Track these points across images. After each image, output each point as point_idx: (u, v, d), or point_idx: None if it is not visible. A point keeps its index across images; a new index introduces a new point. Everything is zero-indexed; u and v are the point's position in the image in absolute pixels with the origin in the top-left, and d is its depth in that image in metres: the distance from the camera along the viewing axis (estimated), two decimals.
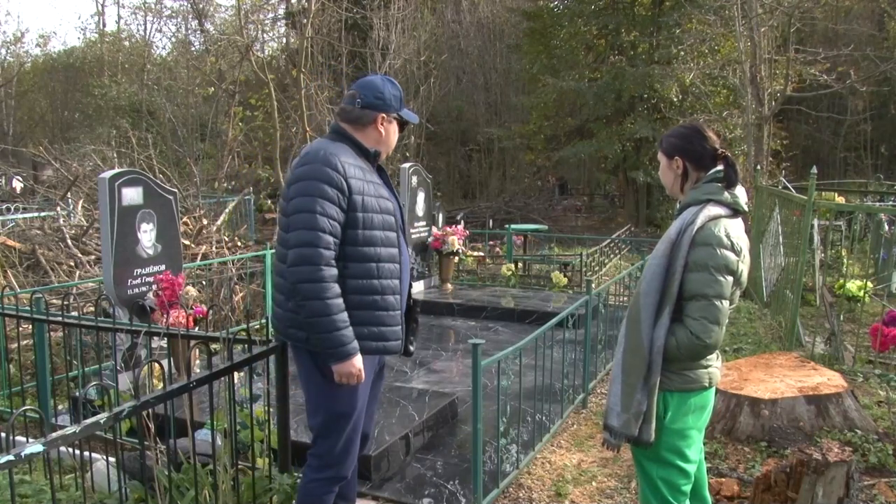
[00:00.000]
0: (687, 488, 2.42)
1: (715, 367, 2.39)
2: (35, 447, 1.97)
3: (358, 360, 2.46)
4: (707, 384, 2.36)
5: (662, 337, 2.27)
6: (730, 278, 2.25)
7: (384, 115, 2.58)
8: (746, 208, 2.37)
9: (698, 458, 2.48)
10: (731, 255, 2.24)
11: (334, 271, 2.41)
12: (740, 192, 2.35)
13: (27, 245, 7.40)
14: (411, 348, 2.77)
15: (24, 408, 2.33)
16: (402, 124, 2.69)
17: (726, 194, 2.32)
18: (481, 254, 10.80)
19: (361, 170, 2.52)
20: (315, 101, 14.73)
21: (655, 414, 2.32)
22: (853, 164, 21.64)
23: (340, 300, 2.42)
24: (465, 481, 3.56)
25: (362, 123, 2.58)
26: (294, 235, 2.40)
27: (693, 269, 2.24)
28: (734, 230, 2.28)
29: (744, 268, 2.30)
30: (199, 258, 7.68)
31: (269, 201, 16.45)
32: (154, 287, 4.76)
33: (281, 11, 20.57)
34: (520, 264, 9.87)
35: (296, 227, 2.41)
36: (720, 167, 2.35)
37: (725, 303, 2.25)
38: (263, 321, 4.02)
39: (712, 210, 2.28)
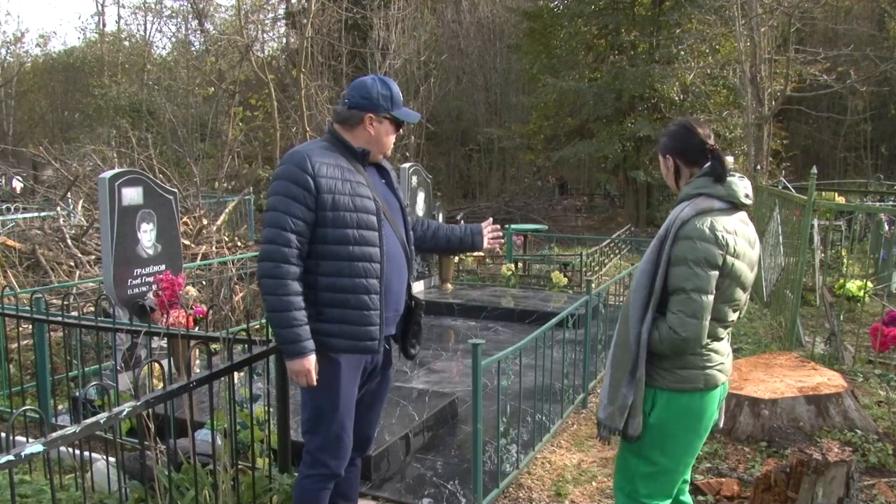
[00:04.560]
0: (664, 491, 2.38)
1: (715, 370, 2.31)
2: (35, 447, 1.97)
3: (309, 360, 2.46)
4: (702, 386, 2.29)
5: (646, 331, 2.27)
6: (712, 272, 2.19)
7: (372, 114, 2.56)
8: (747, 201, 2.30)
9: (686, 463, 2.41)
10: (712, 249, 2.18)
11: (294, 269, 2.45)
12: (740, 185, 2.29)
13: (27, 245, 7.40)
14: (412, 351, 2.75)
15: (24, 408, 2.33)
16: (398, 124, 2.65)
17: (719, 187, 2.27)
18: (481, 254, 10.79)
19: (340, 169, 2.51)
20: (315, 101, 14.74)
21: (642, 409, 2.30)
22: (853, 164, 21.65)
23: (298, 298, 2.45)
24: (465, 481, 3.56)
25: (351, 124, 2.59)
26: (264, 233, 2.50)
27: (674, 263, 2.22)
28: (724, 224, 2.22)
29: (735, 262, 2.23)
30: (199, 258, 7.68)
31: None
32: (154, 287, 4.76)
33: (281, 11, 20.59)
34: (520, 264, 9.87)
35: (265, 224, 2.49)
36: (709, 163, 2.32)
37: (706, 297, 2.20)
38: (263, 321, 4.02)
39: (702, 204, 2.25)
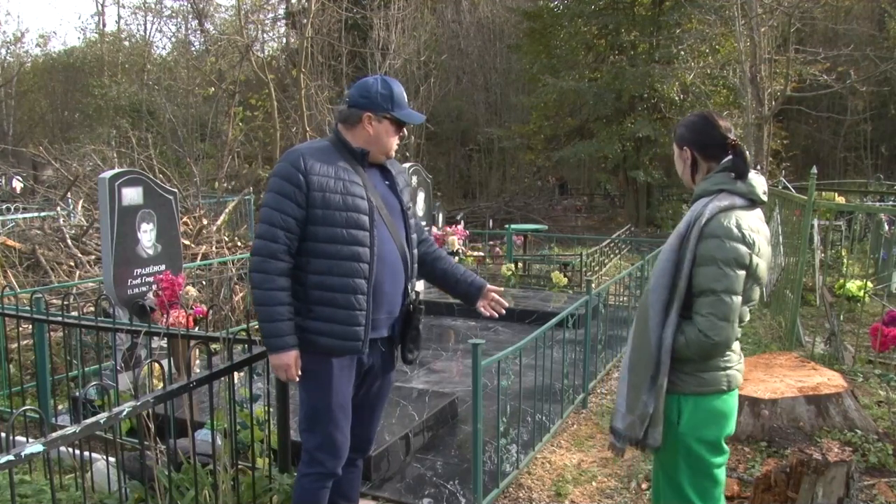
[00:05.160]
0: (717, 492, 2.30)
1: (735, 370, 2.27)
2: (35, 447, 1.97)
3: (289, 355, 2.48)
4: (725, 387, 2.24)
5: (670, 335, 2.16)
6: (741, 272, 2.12)
7: (370, 114, 2.55)
8: (765, 198, 2.24)
9: (721, 463, 2.33)
10: (741, 248, 2.11)
11: (281, 264, 2.47)
12: (757, 182, 2.22)
13: (27, 245, 7.40)
14: (410, 356, 2.72)
15: (24, 408, 2.34)
16: (400, 125, 2.63)
17: (739, 184, 2.19)
18: (481, 254, 10.80)
19: (335, 168, 2.51)
20: (315, 101, 14.75)
21: (666, 418, 2.20)
22: (853, 164, 21.66)
23: (282, 293, 2.47)
24: (465, 481, 3.56)
25: (351, 123, 2.59)
26: (256, 229, 2.54)
27: (701, 262, 2.12)
28: (748, 222, 2.15)
29: (759, 261, 2.17)
30: (199, 258, 7.68)
31: None
32: (154, 287, 4.76)
33: (281, 11, 20.60)
34: (520, 264, 9.87)
35: (259, 221, 2.53)
36: (729, 157, 2.24)
37: (736, 298, 2.12)
38: None
39: (723, 201, 2.16)
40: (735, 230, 2.12)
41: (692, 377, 2.21)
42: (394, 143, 2.65)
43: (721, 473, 2.31)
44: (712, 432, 2.25)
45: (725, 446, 2.32)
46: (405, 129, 2.70)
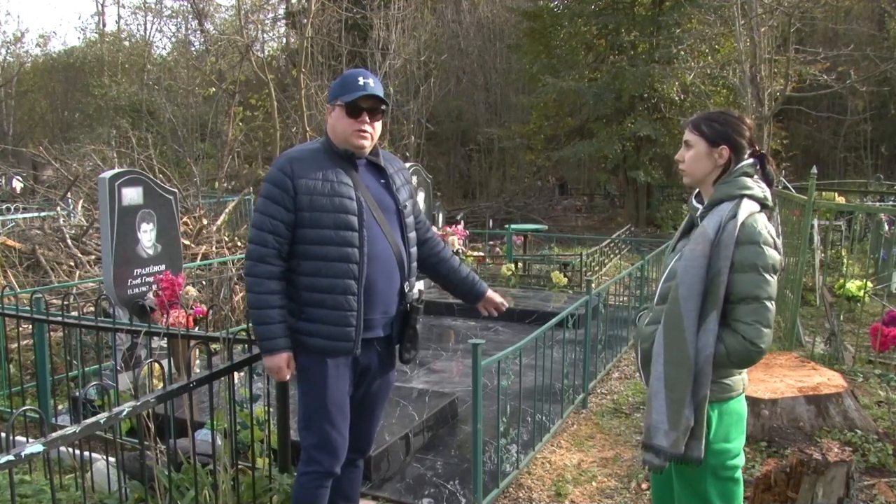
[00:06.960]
0: (740, 492, 2.27)
1: (745, 373, 2.28)
2: (35, 447, 1.97)
3: (282, 357, 2.50)
4: (741, 390, 2.24)
5: (711, 345, 2.10)
6: (776, 277, 2.12)
7: (329, 106, 2.62)
8: (772, 203, 2.25)
9: (743, 462, 2.31)
10: (776, 254, 2.12)
11: (270, 268, 2.50)
12: (766, 187, 2.24)
13: (27, 245, 7.40)
14: (407, 356, 2.72)
15: (24, 408, 2.34)
16: (355, 109, 2.52)
17: (758, 189, 2.19)
18: (481, 254, 10.80)
19: (322, 170, 2.52)
20: (315, 101, 14.74)
21: (705, 429, 2.15)
22: (853, 164, 21.65)
23: (273, 297, 2.50)
24: (465, 481, 3.56)
25: (329, 122, 2.64)
26: (249, 233, 2.58)
27: (739, 269, 2.09)
28: (770, 227, 2.16)
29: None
30: (199, 258, 7.68)
31: None
32: (154, 287, 4.76)
33: (281, 11, 20.61)
34: (520, 264, 9.88)
35: (251, 225, 2.57)
36: (750, 161, 2.24)
37: (774, 304, 2.12)
38: None
39: (749, 206, 2.15)
40: (769, 236, 2.12)
41: (716, 384, 2.17)
42: (352, 128, 2.53)
43: (741, 474, 2.30)
44: (736, 436, 2.24)
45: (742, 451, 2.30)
46: (385, 119, 2.67)
